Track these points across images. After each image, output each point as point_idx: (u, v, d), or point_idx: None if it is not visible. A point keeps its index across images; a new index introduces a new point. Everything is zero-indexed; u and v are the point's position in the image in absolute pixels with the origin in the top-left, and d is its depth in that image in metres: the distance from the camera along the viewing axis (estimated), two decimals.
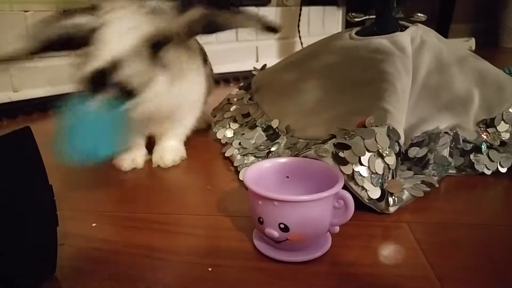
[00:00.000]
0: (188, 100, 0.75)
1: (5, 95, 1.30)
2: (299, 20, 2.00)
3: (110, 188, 0.70)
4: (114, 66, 0.58)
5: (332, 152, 0.55)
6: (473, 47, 2.10)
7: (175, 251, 0.51)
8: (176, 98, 0.68)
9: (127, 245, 0.52)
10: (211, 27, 0.65)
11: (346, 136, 0.58)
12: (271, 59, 2.05)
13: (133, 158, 0.76)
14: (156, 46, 0.62)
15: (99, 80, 0.58)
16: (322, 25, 2.23)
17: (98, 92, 0.58)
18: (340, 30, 2.29)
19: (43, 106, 1.20)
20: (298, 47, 2.06)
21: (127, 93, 0.60)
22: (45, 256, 0.44)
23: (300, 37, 2.02)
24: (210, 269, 0.47)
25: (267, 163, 0.55)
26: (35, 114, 1.17)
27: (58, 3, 1.38)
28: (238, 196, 0.65)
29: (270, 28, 0.68)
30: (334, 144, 0.56)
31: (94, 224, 0.57)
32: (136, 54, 0.60)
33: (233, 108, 0.88)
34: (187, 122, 0.81)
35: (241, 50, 1.94)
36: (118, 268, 0.48)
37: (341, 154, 0.55)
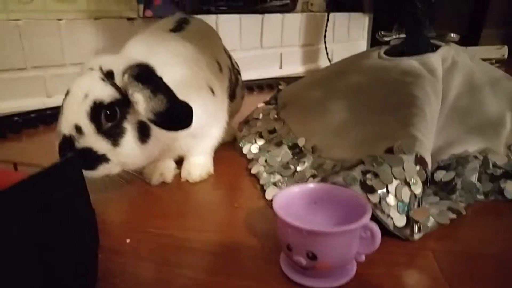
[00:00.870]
0: (205, 117, 0.75)
1: (40, 100, 1.36)
2: (326, 26, 1.99)
3: (140, 202, 0.72)
4: (76, 132, 0.61)
5: (360, 180, 0.56)
6: (506, 56, 2.04)
7: (204, 270, 0.53)
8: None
9: (162, 264, 0.55)
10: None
11: (374, 163, 0.59)
12: (295, 67, 2.07)
13: (161, 172, 0.78)
14: (111, 108, 0.63)
15: (64, 146, 0.61)
16: (347, 31, 2.22)
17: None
18: (365, 37, 2.28)
19: None
20: (323, 54, 2.06)
21: (96, 158, 0.63)
22: (88, 272, 0.47)
23: (325, 44, 2.02)
24: None
25: (296, 189, 0.57)
26: None
27: (90, 11, 1.43)
28: (264, 215, 0.67)
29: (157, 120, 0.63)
30: (362, 171, 0.57)
31: (128, 240, 0.60)
32: (93, 119, 0.62)
33: (259, 123, 0.90)
34: (213, 134, 0.82)
35: (265, 57, 1.95)
36: (152, 286, 0.50)
37: (368, 182, 0.56)
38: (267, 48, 1.96)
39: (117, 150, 0.64)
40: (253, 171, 0.79)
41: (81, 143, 0.62)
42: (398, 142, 0.61)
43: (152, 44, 0.74)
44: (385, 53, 0.82)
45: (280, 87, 0.99)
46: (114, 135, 0.63)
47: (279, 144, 0.81)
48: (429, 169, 0.62)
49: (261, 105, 0.96)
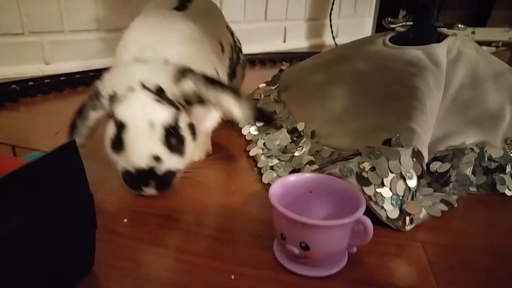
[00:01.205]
0: None
1: (38, 67, 1.34)
2: (333, 2, 1.94)
3: None
4: (155, 161, 0.61)
5: (356, 172, 0.57)
6: None
7: (200, 254, 0.55)
8: None
9: (157, 245, 0.56)
10: (203, 102, 0.65)
11: (371, 155, 0.59)
12: (299, 41, 2.03)
13: None
14: (176, 127, 0.63)
15: (143, 178, 0.61)
16: (354, 7, 2.17)
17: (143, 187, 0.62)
18: (372, 14, 2.23)
19: (74, 83, 1.23)
20: (328, 29, 2.03)
21: (173, 176, 0.64)
22: (86, 255, 0.49)
23: (330, 19, 1.98)
24: (233, 277, 0.50)
25: (292, 177, 0.57)
26: (66, 90, 1.20)
27: None
28: (261, 199, 0.68)
29: (264, 118, 0.66)
30: (358, 163, 0.58)
31: (125, 220, 0.61)
32: (167, 143, 0.62)
33: (259, 104, 0.89)
34: (214, 115, 0.82)
35: (269, 30, 1.91)
36: (149, 269, 0.52)
37: (364, 174, 0.57)
38: (272, 21, 1.92)
39: (184, 159, 0.65)
40: (251, 153, 0.80)
41: (161, 169, 0.61)
42: (396, 135, 0.61)
43: (160, 30, 0.72)
44: (391, 40, 0.81)
45: (282, 67, 0.98)
46: (180, 148, 0.64)
47: (278, 127, 0.81)
48: (425, 163, 0.63)
49: (262, 85, 0.95)
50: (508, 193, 0.70)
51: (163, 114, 0.61)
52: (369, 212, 0.56)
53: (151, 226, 0.60)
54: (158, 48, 0.67)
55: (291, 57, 1.64)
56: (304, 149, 0.75)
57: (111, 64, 0.77)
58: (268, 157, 0.76)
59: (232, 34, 0.94)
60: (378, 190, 0.57)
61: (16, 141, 0.81)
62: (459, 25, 0.80)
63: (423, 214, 0.61)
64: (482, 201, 0.70)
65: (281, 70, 0.97)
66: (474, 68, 0.77)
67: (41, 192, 0.39)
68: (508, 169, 0.71)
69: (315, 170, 0.66)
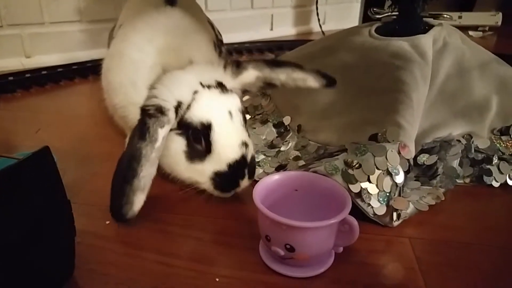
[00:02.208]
0: None
1: (18, 61, 1.31)
2: None
3: None
4: (244, 148, 0.60)
5: (342, 169, 0.56)
6: (499, 23, 1.99)
7: (184, 256, 0.54)
8: None
9: (139, 248, 0.55)
10: (267, 87, 0.66)
11: (357, 152, 0.58)
12: (286, 28, 2.00)
13: None
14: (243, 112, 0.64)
15: (239, 170, 0.60)
16: None
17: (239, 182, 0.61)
18: (359, 0, 2.20)
19: (57, 77, 1.20)
20: (315, 16, 2.00)
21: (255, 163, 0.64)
22: (65, 261, 0.47)
23: (317, 6, 1.95)
24: (217, 279, 0.50)
25: (276, 176, 0.56)
26: (48, 85, 1.17)
27: None
28: (246, 197, 0.66)
29: (330, 82, 0.66)
30: (344, 161, 0.57)
31: (107, 222, 0.60)
32: (245, 127, 0.62)
33: (245, 98, 0.88)
34: None
35: (255, 17, 1.88)
36: (131, 273, 0.50)
37: (350, 171, 0.56)
38: (258, 9, 1.88)
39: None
40: None
41: (249, 155, 0.61)
42: (382, 130, 0.60)
43: (175, 32, 0.71)
44: (377, 31, 0.79)
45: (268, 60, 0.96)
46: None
47: (264, 122, 0.80)
48: (412, 157, 0.62)
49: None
50: (495, 184, 0.70)
51: (234, 101, 0.62)
52: (355, 208, 0.55)
53: (133, 228, 0.59)
54: (181, 52, 0.67)
55: (279, 45, 1.61)
56: (290, 143, 0.74)
57: (106, 58, 0.75)
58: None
59: (212, 26, 0.92)
60: (364, 186, 0.56)
61: None
62: (445, 15, 0.79)
63: (410, 209, 0.60)
64: (469, 193, 0.70)
65: None
66: (460, 58, 0.76)
67: (12, 203, 0.37)
68: (494, 160, 0.70)
69: (300, 167, 0.65)
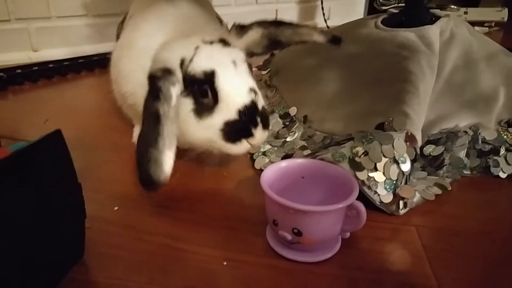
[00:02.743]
0: None
1: (25, 54, 1.31)
2: None
3: (130, 167, 0.72)
4: (253, 95, 0.59)
5: (349, 157, 0.56)
6: (505, 18, 1.98)
7: (192, 241, 0.54)
8: None
9: (148, 233, 0.55)
10: (272, 46, 0.66)
11: (364, 140, 0.58)
12: None
13: None
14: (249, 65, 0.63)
15: (251, 116, 0.57)
16: None
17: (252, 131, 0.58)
18: None
19: (63, 70, 1.21)
20: (319, 11, 2.00)
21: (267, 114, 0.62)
22: (75, 244, 0.48)
23: (322, 1, 1.94)
24: (225, 263, 0.50)
25: (284, 163, 0.56)
26: (55, 78, 1.18)
27: None
28: (253, 185, 0.67)
29: (335, 39, 0.66)
30: (351, 148, 0.57)
31: (116, 208, 0.60)
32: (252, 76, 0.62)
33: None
34: None
35: (260, 13, 1.88)
36: (139, 256, 0.51)
37: (357, 159, 0.56)
38: (263, 4, 1.89)
39: None
40: None
41: (260, 103, 0.59)
42: (389, 119, 0.60)
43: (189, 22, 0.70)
44: (383, 22, 0.79)
45: (274, 52, 0.96)
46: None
47: (270, 113, 0.80)
48: (419, 146, 0.62)
49: (253, 69, 0.94)
50: (502, 175, 0.70)
51: (238, 53, 0.61)
52: (362, 197, 0.55)
53: (142, 213, 0.60)
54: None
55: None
56: (296, 134, 0.74)
57: (116, 48, 0.75)
58: None
59: (221, 22, 0.92)
60: (371, 174, 0.56)
61: (4, 130, 0.80)
62: (452, 6, 0.78)
63: (417, 198, 0.61)
64: (476, 184, 0.69)
65: (272, 55, 0.96)
66: (467, 49, 0.76)
67: (26, 183, 0.38)
68: (502, 151, 0.70)
69: (307, 156, 0.65)
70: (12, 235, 0.37)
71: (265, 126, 0.60)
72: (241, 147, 0.58)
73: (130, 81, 0.68)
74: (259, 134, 0.58)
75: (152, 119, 0.54)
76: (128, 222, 0.58)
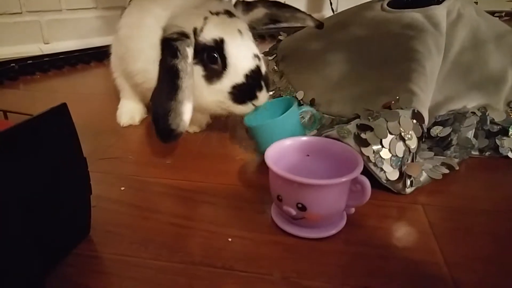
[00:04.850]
0: None
1: (37, 47, 1.33)
2: None
3: (137, 150, 0.73)
4: (258, 60, 0.65)
5: (354, 133, 0.56)
6: None
7: (197, 218, 0.54)
8: None
9: (153, 211, 0.56)
10: (270, 24, 0.72)
11: (370, 117, 0.58)
12: None
13: (131, 115, 0.82)
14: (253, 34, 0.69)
15: (256, 80, 0.63)
16: None
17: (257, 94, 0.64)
18: None
19: (73, 61, 1.22)
20: (326, 3, 1.98)
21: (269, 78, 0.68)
22: (81, 220, 0.49)
23: None
24: (230, 239, 0.50)
25: (288, 141, 0.56)
26: (65, 68, 1.19)
27: None
28: (259, 166, 0.67)
29: (319, 25, 0.76)
30: (357, 125, 0.57)
31: (122, 188, 0.61)
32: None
33: None
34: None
35: None
36: (145, 234, 0.51)
37: (362, 135, 0.56)
38: None
39: None
40: None
41: (263, 67, 0.65)
42: (395, 98, 0.60)
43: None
44: (389, 4, 0.78)
45: (280, 37, 0.96)
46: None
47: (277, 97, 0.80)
48: (426, 125, 0.62)
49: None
50: (511, 155, 0.69)
51: (242, 23, 0.67)
52: (368, 176, 0.55)
53: (148, 193, 0.60)
54: None
55: (289, 32, 1.60)
56: (304, 118, 0.74)
57: (122, 27, 0.76)
58: None
59: None
60: (377, 150, 0.56)
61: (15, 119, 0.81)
62: None
63: (423, 177, 0.60)
64: (484, 164, 0.69)
65: (278, 41, 0.95)
66: (475, 30, 0.75)
67: (30, 155, 0.38)
68: (510, 132, 0.69)
69: (313, 134, 0.65)
70: (16, 211, 0.37)
71: (268, 88, 0.66)
72: (247, 107, 0.65)
73: (141, 59, 0.69)
74: (263, 96, 0.65)
75: (171, 74, 0.59)
76: (134, 202, 0.58)
